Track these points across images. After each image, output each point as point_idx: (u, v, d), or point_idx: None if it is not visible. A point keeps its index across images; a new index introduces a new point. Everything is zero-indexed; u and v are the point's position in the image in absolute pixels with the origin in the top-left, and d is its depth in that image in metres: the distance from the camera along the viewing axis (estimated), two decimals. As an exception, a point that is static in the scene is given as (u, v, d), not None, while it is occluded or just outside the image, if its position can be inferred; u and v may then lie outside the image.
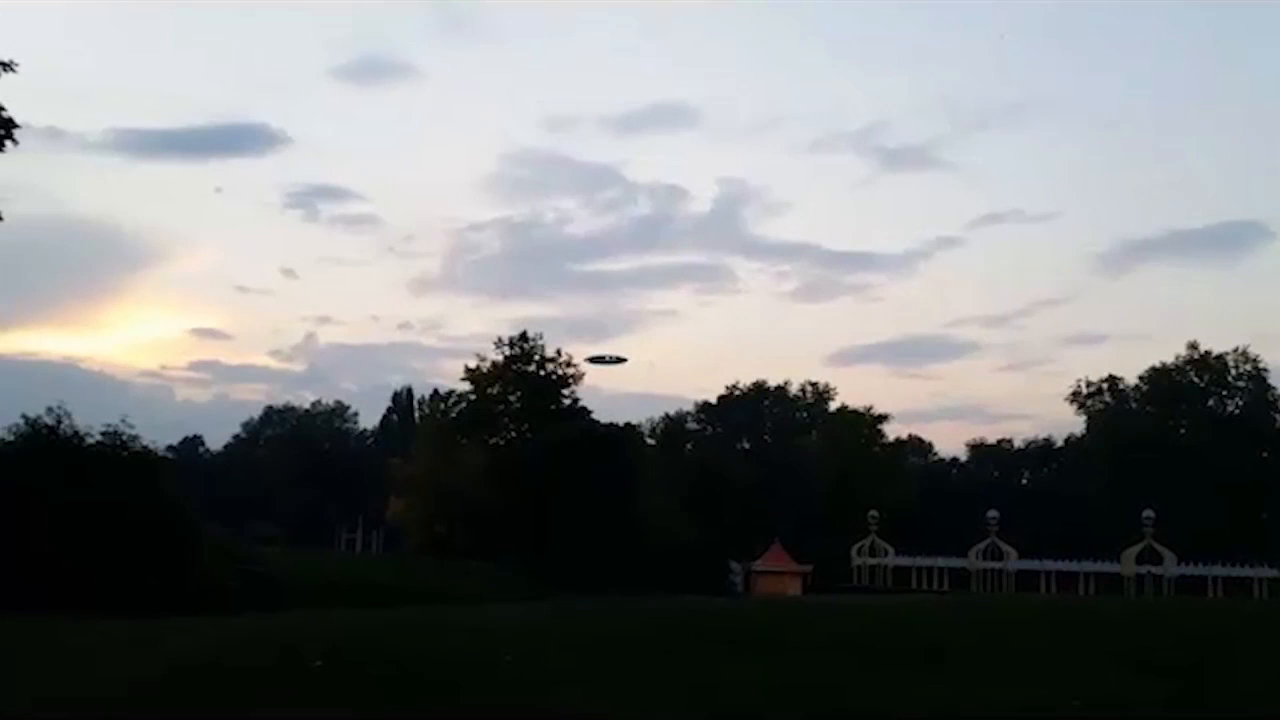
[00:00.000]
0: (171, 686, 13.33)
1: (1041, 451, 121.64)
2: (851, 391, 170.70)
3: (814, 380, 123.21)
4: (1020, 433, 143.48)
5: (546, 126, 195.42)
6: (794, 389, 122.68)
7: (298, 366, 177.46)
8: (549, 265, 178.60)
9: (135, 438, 33.41)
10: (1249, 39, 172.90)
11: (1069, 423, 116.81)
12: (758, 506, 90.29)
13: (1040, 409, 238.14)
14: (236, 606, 26.85)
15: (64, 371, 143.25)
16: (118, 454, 32.68)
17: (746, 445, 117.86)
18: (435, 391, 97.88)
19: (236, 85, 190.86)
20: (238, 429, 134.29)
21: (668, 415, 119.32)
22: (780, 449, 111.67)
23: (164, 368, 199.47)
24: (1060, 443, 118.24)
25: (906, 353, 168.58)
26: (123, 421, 33.27)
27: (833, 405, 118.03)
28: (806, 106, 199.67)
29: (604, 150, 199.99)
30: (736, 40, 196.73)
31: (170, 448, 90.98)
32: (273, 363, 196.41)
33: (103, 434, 32.88)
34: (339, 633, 17.03)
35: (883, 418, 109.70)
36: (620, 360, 62.12)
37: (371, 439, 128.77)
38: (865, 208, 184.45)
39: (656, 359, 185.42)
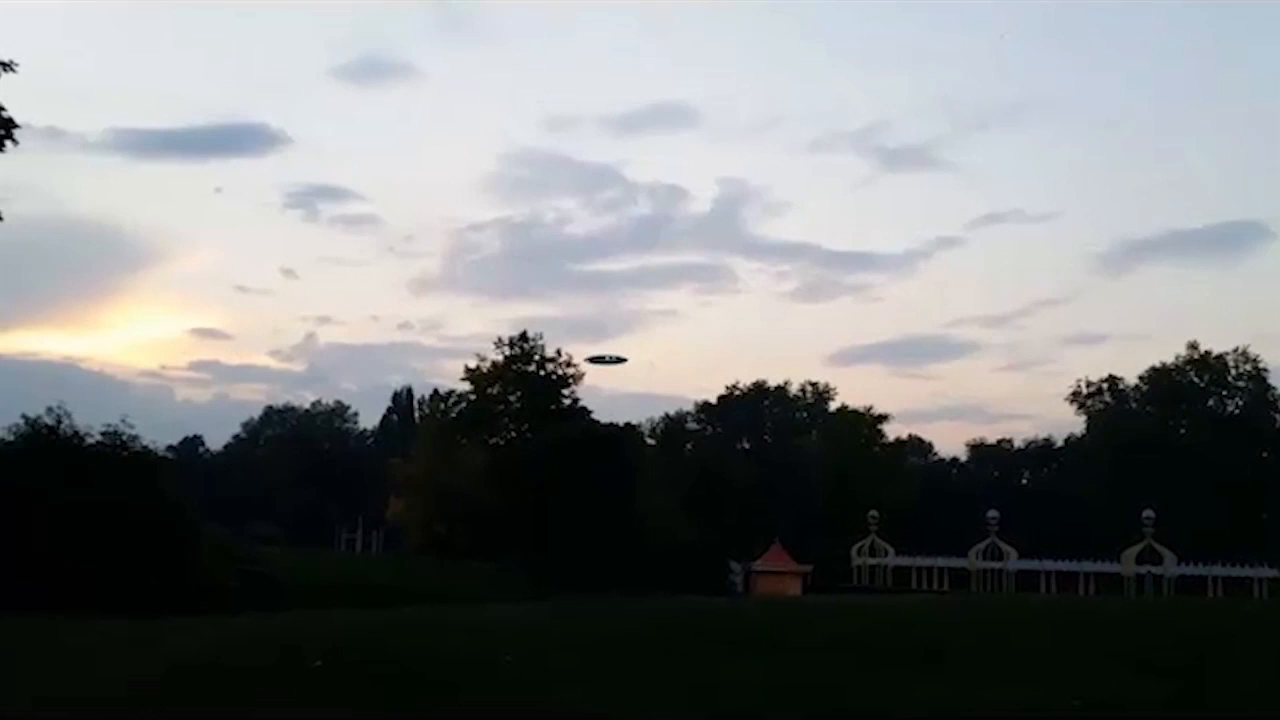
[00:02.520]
0: (171, 686, 13.34)
1: (1041, 451, 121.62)
2: (851, 391, 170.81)
3: (814, 380, 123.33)
4: (1020, 433, 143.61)
5: (546, 126, 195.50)
6: (794, 389, 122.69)
7: (298, 366, 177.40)
8: (549, 265, 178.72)
9: (135, 438, 33.46)
10: (1249, 39, 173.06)
11: (1069, 423, 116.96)
12: (758, 506, 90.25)
13: (1040, 409, 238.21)
14: (236, 606, 26.86)
15: (64, 371, 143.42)
16: (118, 454, 32.71)
17: (746, 445, 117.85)
18: (435, 391, 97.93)
19: (236, 85, 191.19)
20: (238, 429, 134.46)
21: (668, 415, 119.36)
22: (780, 449, 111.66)
23: (164, 368, 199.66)
24: (1060, 443, 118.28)
25: (906, 353, 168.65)
26: (123, 421, 33.33)
27: (833, 405, 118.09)
28: (806, 106, 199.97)
29: (604, 150, 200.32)
30: (736, 40, 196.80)
31: (170, 448, 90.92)
32: (273, 363, 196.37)
33: (103, 434, 32.90)
34: (339, 633, 17.03)
35: (883, 418, 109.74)
36: (620, 360, 61.90)
37: (371, 439, 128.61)
38: (865, 208, 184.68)
39: (656, 359, 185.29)
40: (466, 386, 79.79)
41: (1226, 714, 12.53)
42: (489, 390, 78.28)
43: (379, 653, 14.77)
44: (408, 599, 31.48)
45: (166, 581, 28.53)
